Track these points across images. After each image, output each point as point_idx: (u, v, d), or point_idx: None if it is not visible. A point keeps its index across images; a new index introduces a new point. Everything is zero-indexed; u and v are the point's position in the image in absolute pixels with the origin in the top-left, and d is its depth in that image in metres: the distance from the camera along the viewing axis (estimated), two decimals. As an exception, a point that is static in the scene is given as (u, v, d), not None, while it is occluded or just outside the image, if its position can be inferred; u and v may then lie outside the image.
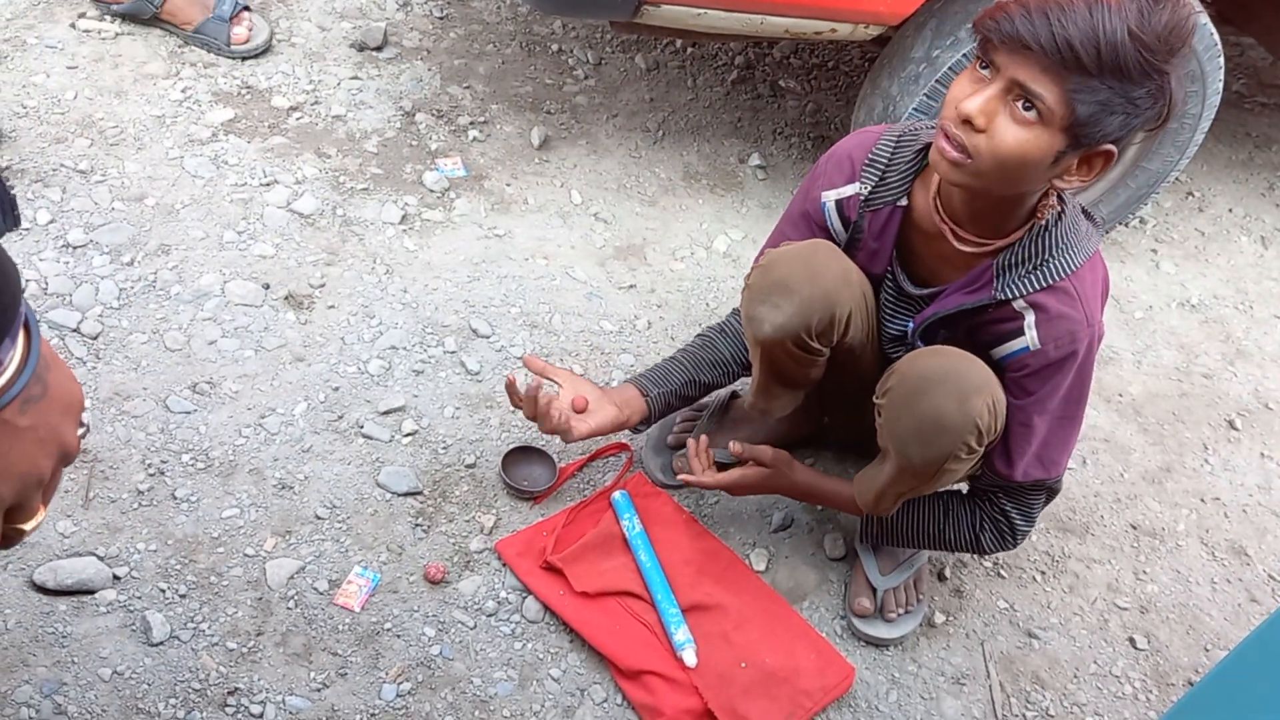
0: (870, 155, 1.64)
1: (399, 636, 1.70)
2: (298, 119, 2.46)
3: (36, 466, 0.75)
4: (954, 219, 1.53)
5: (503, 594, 1.78)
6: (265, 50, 2.57)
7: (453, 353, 2.10)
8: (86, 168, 2.21)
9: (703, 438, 1.86)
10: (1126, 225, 2.79)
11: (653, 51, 2.89)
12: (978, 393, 1.48)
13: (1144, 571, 2.07)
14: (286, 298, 2.11)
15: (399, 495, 1.87)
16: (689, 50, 2.93)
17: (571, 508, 1.90)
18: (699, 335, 1.94)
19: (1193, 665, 1.94)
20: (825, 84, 2.97)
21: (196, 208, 2.22)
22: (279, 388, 1.98)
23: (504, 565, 1.81)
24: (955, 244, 1.53)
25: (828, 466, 2.07)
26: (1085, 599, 2.00)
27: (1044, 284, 1.50)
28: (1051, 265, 1.50)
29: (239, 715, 1.58)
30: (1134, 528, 2.13)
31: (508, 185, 2.47)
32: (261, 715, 1.58)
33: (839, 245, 1.69)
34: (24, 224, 2.04)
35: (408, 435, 1.95)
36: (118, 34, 2.51)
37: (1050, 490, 1.68)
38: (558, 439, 1.92)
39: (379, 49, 2.68)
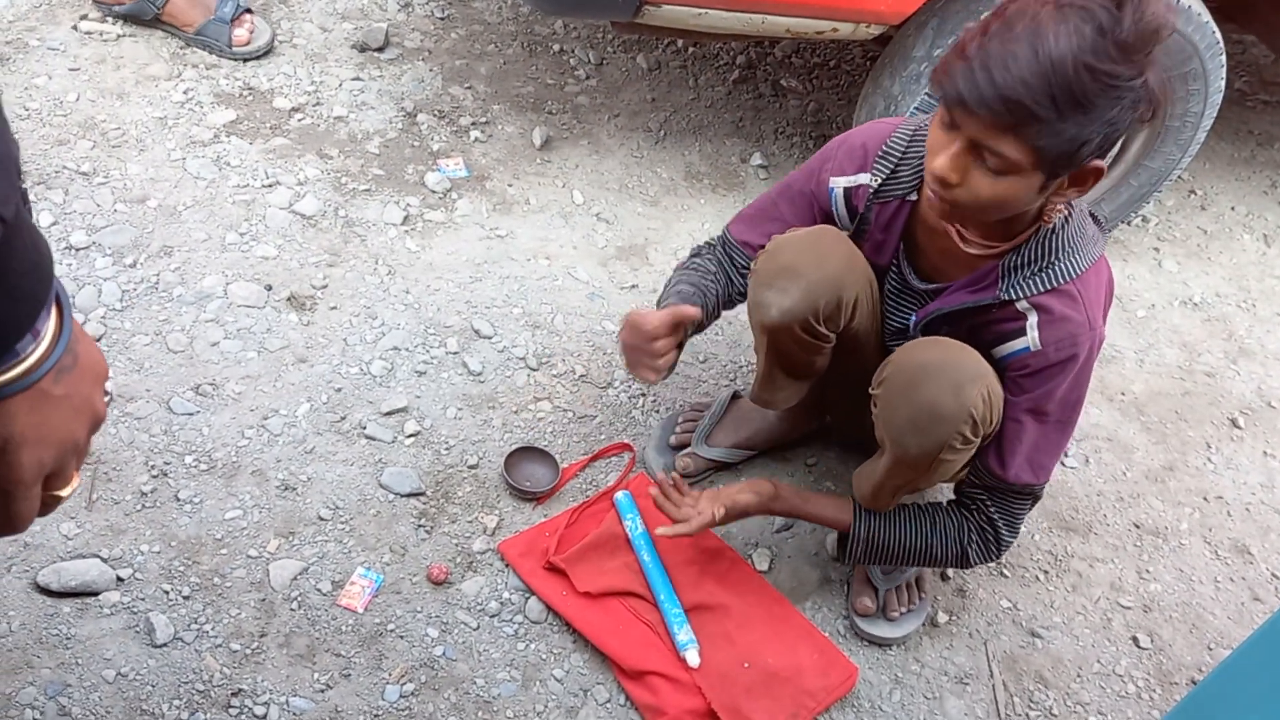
0: (885, 147, 1.63)
1: (402, 637, 1.70)
2: (299, 120, 2.46)
3: (72, 433, 0.78)
4: (960, 223, 1.54)
5: (506, 595, 1.79)
6: (267, 52, 2.57)
7: (455, 353, 2.10)
8: (89, 170, 2.21)
9: (674, 474, 1.83)
10: (1129, 224, 2.79)
11: (654, 51, 2.89)
12: (973, 382, 1.48)
13: (1147, 570, 2.06)
14: (289, 299, 2.11)
15: (402, 496, 1.87)
16: (690, 50, 2.93)
17: (574, 508, 1.91)
18: (684, 270, 1.85)
19: (1196, 664, 1.94)
20: (827, 83, 2.97)
21: (199, 209, 2.22)
22: (281, 389, 1.98)
23: (507, 566, 1.82)
24: (961, 245, 1.53)
25: (830, 466, 2.07)
26: (1088, 598, 2.00)
27: (1049, 286, 1.50)
28: (1057, 268, 1.50)
29: (243, 716, 1.58)
30: (1137, 526, 2.13)
31: (509, 186, 2.47)
32: (265, 716, 1.58)
33: None
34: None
35: (410, 436, 1.96)
36: (119, 36, 2.51)
37: (1035, 497, 1.68)
38: (561, 440, 1.93)
39: (380, 50, 2.68)
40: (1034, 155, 1.32)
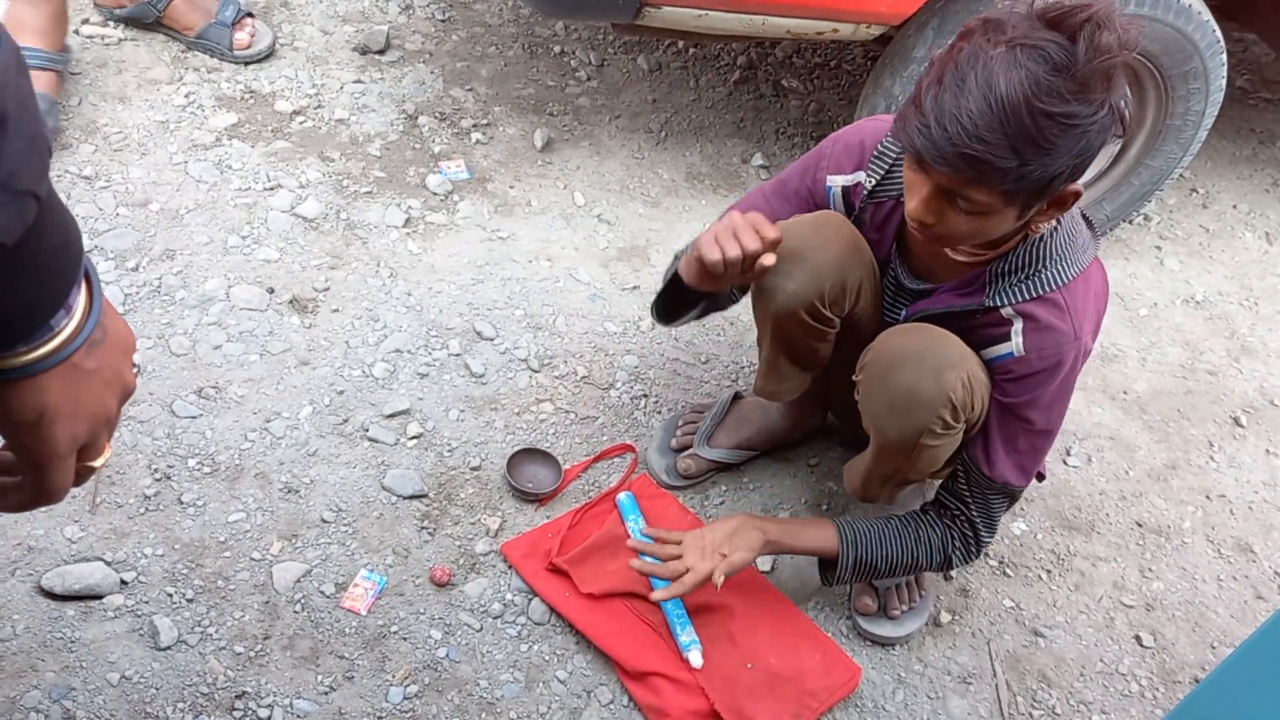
0: (880, 147, 1.64)
1: (405, 639, 1.71)
2: (301, 123, 2.47)
3: (105, 406, 0.80)
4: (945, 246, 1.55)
5: (508, 596, 1.79)
6: (268, 55, 2.58)
7: (457, 355, 2.11)
8: (91, 173, 2.21)
9: (642, 532, 1.81)
10: (1130, 222, 2.79)
11: (655, 52, 2.89)
12: (951, 367, 1.49)
13: (1150, 569, 2.06)
14: (291, 302, 2.12)
15: (404, 498, 1.87)
16: (691, 51, 2.93)
17: (576, 509, 1.91)
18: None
19: (1199, 662, 1.93)
20: (827, 83, 2.97)
21: (201, 212, 2.23)
22: (284, 392, 1.98)
23: (509, 567, 1.82)
24: (950, 254, 1.54)
25: (833, 466, 2.07)
26: (1091, 597, 2.00)
27: (1035, 294, 1.51)
28: (1044, 275, 1.50)
29: (247, 719, 1.58)
30: (1139, 525, 2.13)
31: (511, 187, 2.47)
32: (269, 719, 1.59)
33: None
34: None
35: (413, 438, 1.96)
36: (121, 40, 2.51)
37: (1013, 498, 1.70)
38: (563, 441, 1.93)
39: (381, 52, 2.68)
40: (1003, 197, 1.33)
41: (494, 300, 2.22)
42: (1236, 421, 2.38)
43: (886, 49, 2.30)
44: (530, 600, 1.78)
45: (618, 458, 2.02)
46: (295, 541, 1.79)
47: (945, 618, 1.90)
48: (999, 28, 1.29)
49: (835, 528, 1.74)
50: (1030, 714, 1.82)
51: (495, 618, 1.76)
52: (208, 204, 2.25)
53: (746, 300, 1.79)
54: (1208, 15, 2.18)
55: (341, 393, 2.00)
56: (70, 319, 0.74)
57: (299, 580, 1.74)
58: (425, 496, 1.89)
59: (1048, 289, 1.50)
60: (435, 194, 2.39)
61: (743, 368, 2.22)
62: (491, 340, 2.15)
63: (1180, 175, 2.69)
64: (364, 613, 1.72)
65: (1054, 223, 1.48)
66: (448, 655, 1.70)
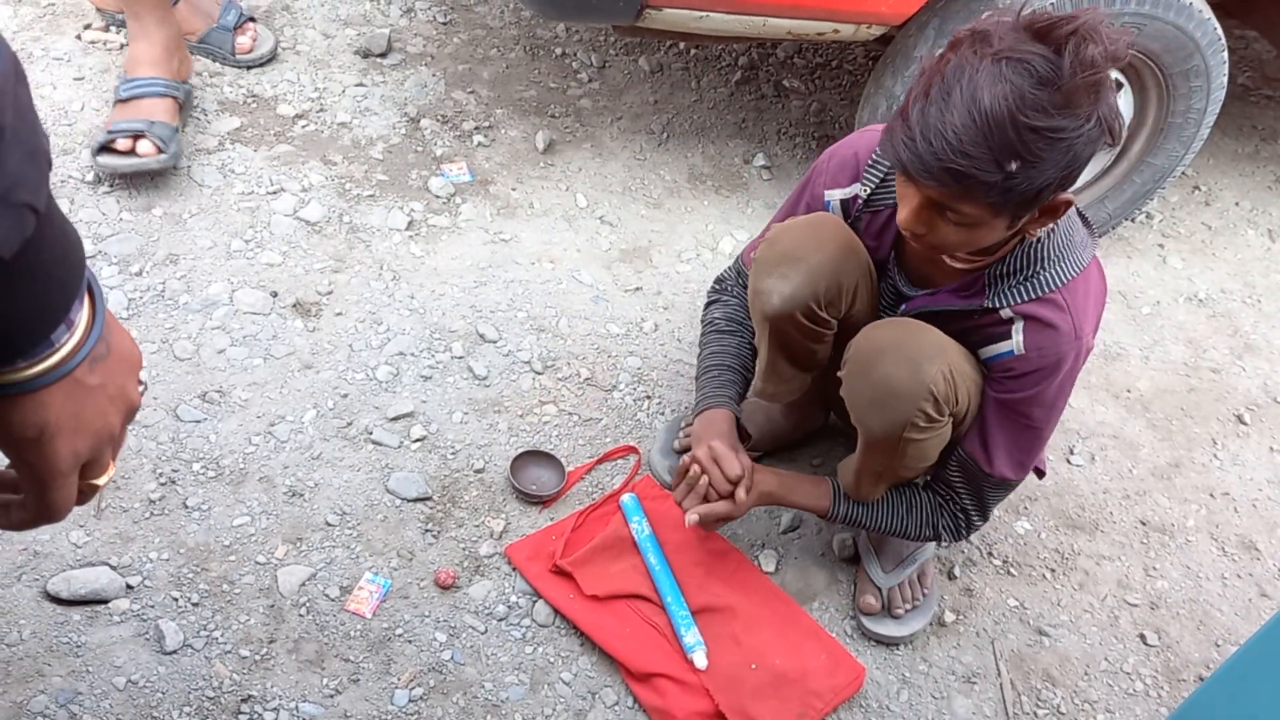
0: (874, 157, 1.65)
1: (410, 642, 1.71)
2: (303, 127, 2.47)
3: (108, 422, 0.78)
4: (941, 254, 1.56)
5: (513, 598, 1.79)
6: (270, 59, 2.58)
7: (460, 358, 2.11)
8: (93, 179, 2.22)
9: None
10: (1133, 220, 2.79)
11: (656, 54, 2.90)
12: (931, 360, 1.50)
13: (1154, 568, 2.06)
14: (294, 305, 2.12)
15: (408, 501, 1.88)
16: (692, 52, 2.93)
17: (580, 511, 1.91)
18: (713, 341, 1.90)
19: (1203, 661, 1.93)
20: (829, 83, 2.97)
21: (204, 217, 2.23)
22: (288, 395, 1.98)
23: (514, 569, 1.82)
24: (948, 261, 1.55)
25: (835, 467, 2.07)
26: (1095, 596, 2.00)
27: (1034, 295, 1.51)
28: (1043, 277, 1.51)
29: (253, 722, 1.59)
30: (1143, 524, 2.13)
31: (513, 190, 2.47)
32: (275, 722, 1.59)
33: None
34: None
35: (416, 441, 1.96)
36: (123, 45, 2.52)
37: (1010, 489, 1.72)
38: (566, 443, 1.93)
39: (383, 55, 2.69)
40: (990, 209, 1.34)
41: (497, 302, 2.22)
42: (1240, 419, 2.38)
43: (888, 49, 2.30)
44: (535, 602, 1.79)
45: (621, 459, 2.03)
46: (300, 545, 1.79)
47: (950, 617, 1.91)
48: (986, 39, 1.29)
49: (830, 486, 1.77)
50: (1035, 713, 1.82)
51: (500, 620, 1.76)
52: (211, 208, 2.25)
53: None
54: (1208, 13, 2.18)
55: (345, 396, 2.00)
56: (72, 334, 0.73)
57: (304, 584, 1.74)
58: (429, 499, 1.89)
59: (1047, 289, 1.51)
60: (437, 197, 2.40)
61: (746, 368, 2.22)
62: (494, 343, 2.15)
63: (1182, 173, 2.69)
64: (369, 616, 1.72)
65: (1051, 225, 1.49)
66: (453, 658, 1.70)
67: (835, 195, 1.70)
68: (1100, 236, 2.63)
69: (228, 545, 1.77)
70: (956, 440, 1.64)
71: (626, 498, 1.92)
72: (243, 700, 1.60)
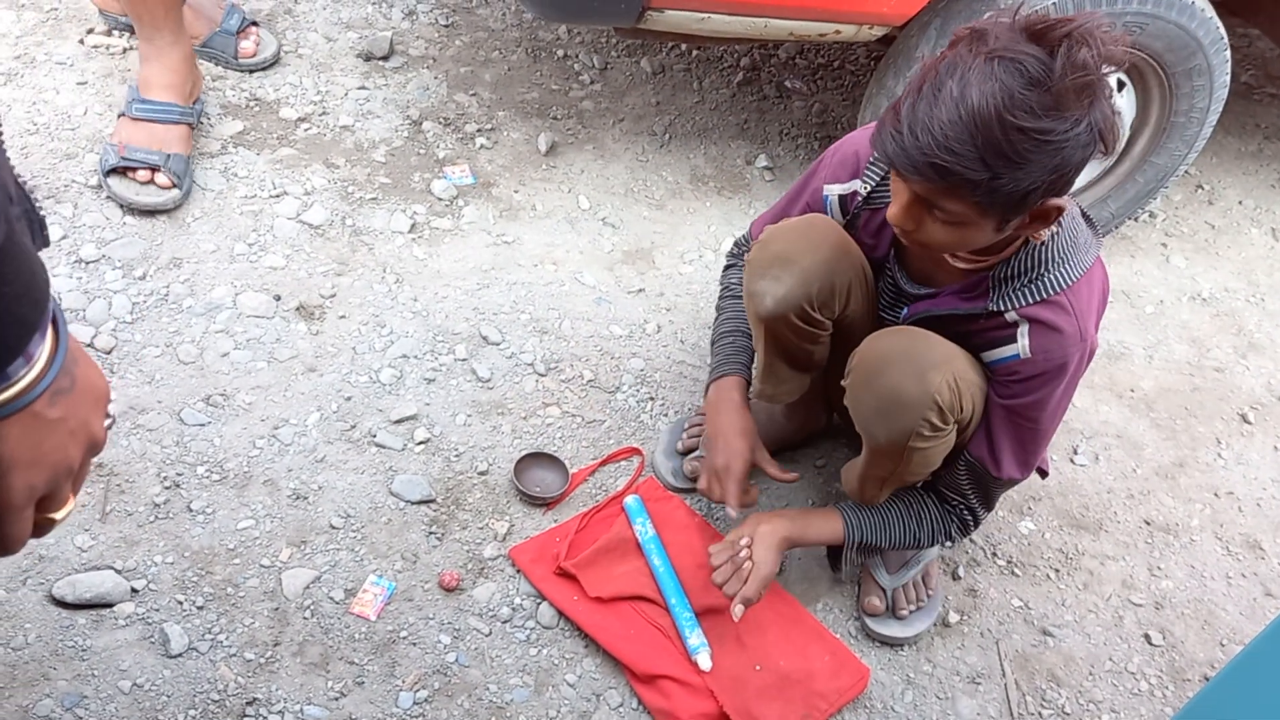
0: (875, 154, 1.65)
1: (415, 644, 1.71)
2: (306, 130, 2.47)
3: (67, 456, 0.77)
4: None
5: (517, 600, 1.79)
6: (273, 63, 2.58)
7: (463, 360, 2.11)
8: (97, 183, 2.22)
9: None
10: (1136, 220, 2.79)
11: (658, 55, 2.90)
12: (935, 369, 1.49)
13: (1158, 567, 2.06)
14: (298, 308, 2.12)
15: (412, 503, 1.88)
16: (694, 53, 2.93)
17: (584, 513, 1.91)
18: (729, 306, 1.91)
19: (1208, 660, 1.93)
20: (831, 84, 2.97)
21: (207, 220, 2.23)
22: (292, 398, 1.99)
23: (518, 572, 1.82)
24: (950, 260, 1.54)
25: (839, 468, 2.06)
26: (1100, 596, 2.00)
27: (1039, 298, 1.50)
28: (1047, 279, 1.50)
29: (258, 725, 1.59)
30: (1148, 524, 2.13)
31: (515, 192, 2.47)
32: (280, 725, 1.59)
33: None
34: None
35: (420, 443, 1.96)
36: (126, 49, 2.52)
37: (1014, 485, 1.73)
38: (570, 445, 1.93)
39: (385, 58, 2.69)
40: (976, 209, 1.33)
41: (500, 305, 2.22)
42: (1244, 418, 2.37)
43: (890, 49, 2.30)
44: (539, 604, 1.79)
45: (625, 461, 2.03)
46: (304, 548, 1.79)
47: (954, 618, 1.91)
48: (982, 38, 1.29)
49: (841, 518, 1.76)
50: (1040, 713, 1.82)
51: (504, 622, 1.76)
52: (214, 212, 2.25)
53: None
54: (1211, 12, 2.18)
55: (349, 399, 2.01)
56: (31, 367, 0.71)
57: (308, 586, 1.75)
58: (433, 501, 1.89)
59: (1051, 292, 1.50)
60: (440, 199, 2.40)
61: (749, 370, 2.22)
62: (498, 345, 2.15)
63: (1185, 172, 2.69)
64: (373, 618, 1.73)
65: (1055, 227, 1.48)
66: (457, 660, 1.70)
67: (834, 190, 1.70)
68: (1103, 236, 2.62)
69: (232, 548, 1.77)
70: (962, 445, 1.64)
71: (630, 499, 1.92)
72: (248, 703, 1.61)
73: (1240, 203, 2.94)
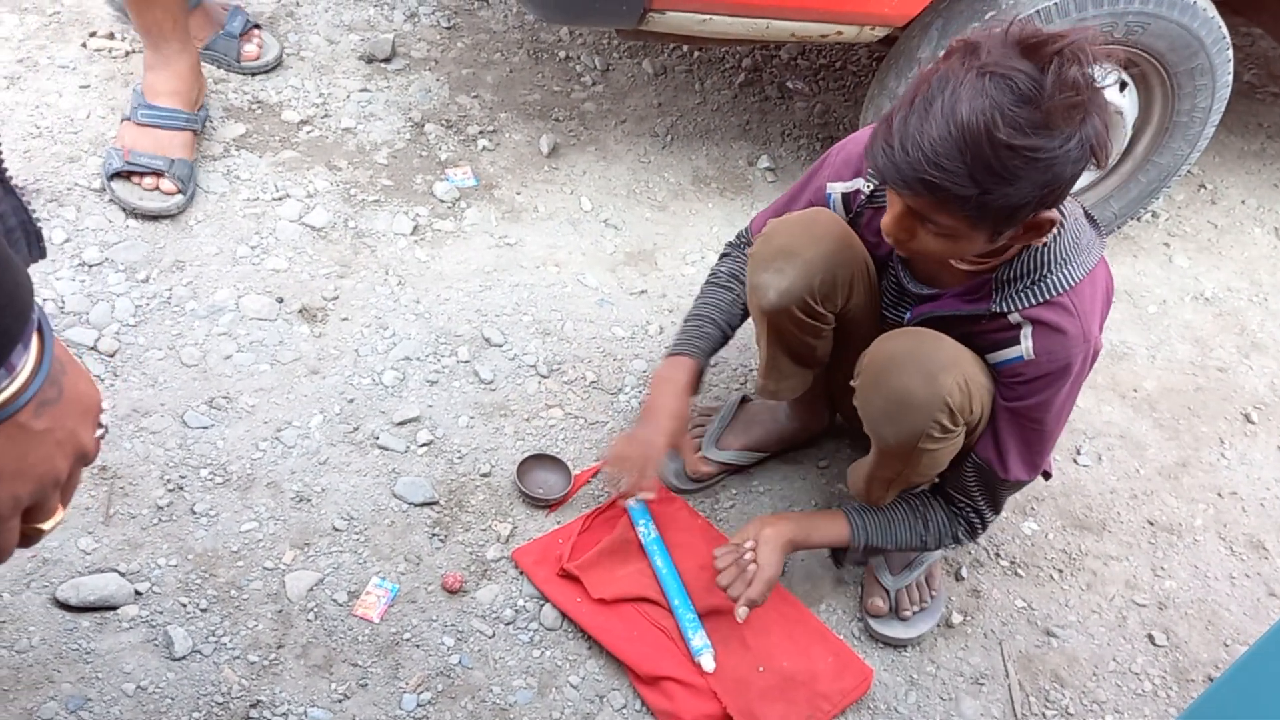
0: (868, 165, 1.64)
1: (418, 646, 1.71)
2: (308, 132, 2.47)
3: (54, 468, 0.76)
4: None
5: (520, 602, 1.79)
6: (276, 66, 2.59)
7: (466, 362, 2.11)
8: (100, 186, 2.23)
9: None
10: (1138, 219, 2.78)
11: (660, 56, 2.90)
12: (945, 371, 1.49)
13: (1162, 568, 2.06)
14: (300, 311, 2.13)
15: (415, 505, 1.88)
16: (696, 54, 2.93)
17: (587, 515, 1.91)
18: (707, 292, 1.91)
19: (1212, 661, 1.93)
20: (833, 85, 2.97)
21: (210, 223, 2.24)
22: (294, 401, 1.99)
23: (521, 573, 1.82)
24: (954, 262, 1.54)
25: (842, 469, 2.07)
26: (1103, 596, 1.99)
27: (1042, 299, 1.50)
28: (1050, 281, 1.50)
29: (261, 728, 1.59)
30: (1151, 524, 2.13)
31: (518, 194, 2.48)
32: (284, 727, 1.59)
33: None
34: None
35: (423, 445, 1.97)
36: (128, 52, 2.53)
37: (1022, 486, 1.73)
38: (573, 447, 1.93)
39: (387, 61, 2.69)
40: (967, 222, 1.34)
41: (502, 306, 2.23)
42: (1247, 418, 2.37)
43: (891, 50, 2.30)
44: (542, 606, 1.79)
45: (627, 462, 2.03)
46: (307, 550, 1.80)
47: (957, 619, 1.90)
48: (975, 52, 1.29)
49: (846, 521, 1.76)
50: (1043, 714, 1.81)
51: (507, 624, 1.76)
52: (216, 214, 2.26)
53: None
54: (1213, 11, 2.18)
55: (351, 401, 2.01)
56: (13, 378, 0.71)
57: (312, 589, 1.75)
58: (436, 504, 1.89)
59: (1055, 293, 1.50)
60: (442, 201, 2.40)
61: (750, 370, 2.22)
62: (500, 346, 2.15)
63: (1188, 171, 2.68)
64: (377, 620, 1.73)
65: (1055, 230, 1.48)
66: (460, 662, 1.71)
67: (837, 188, 1.71)
68: (1106, 235, 2.63)
69: (236, 551, 1.77)
70: (969, 447, 1.64)
71: (633, 501, 1.92)
72: (251, 706, 1.61)
73: (1243, 202, 2.94)
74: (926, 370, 1.49)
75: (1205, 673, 1.91)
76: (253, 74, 2.56)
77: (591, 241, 2.42)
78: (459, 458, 1.97)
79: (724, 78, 2.90)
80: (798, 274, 1.61)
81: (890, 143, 1.31)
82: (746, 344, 2.27)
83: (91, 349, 1.97)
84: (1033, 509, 2.10)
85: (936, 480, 1.74)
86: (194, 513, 1.80)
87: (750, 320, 1.83)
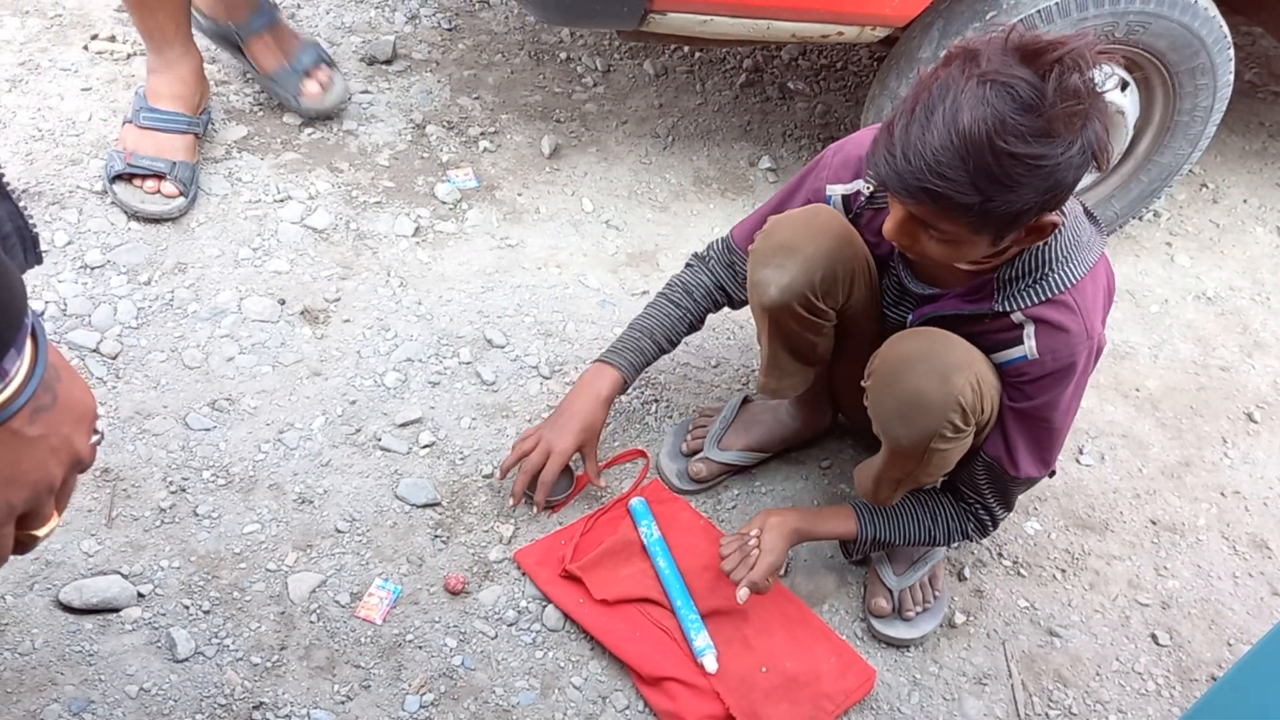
0: (869, 173, 1.64)
1: (421, 648, 1.71)
2: (310, 134, 2.48)
3: (48, 474, 0.76)
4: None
5: (523, 603, 1.79)
6: (339, 111, 2.49)
7: (468, 363, 2.11)
8: (102, 189, 2.23)
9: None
10: (1140, 219, 2.78)
11: (661, 57, 2.90)
12: (958, 371, 1.49)
13: (1165, 567, 2.06)
14: (302, 313, 2.13)
15: (418, 507, 1.88)
16: (697, 55, 2.93)
17: (589, 515, 1.91)
18: (657, 303, 1.96)
19: (1216, 660, 1.93)
20: (834, 85, 2.97)
21: (211, 225, 2.24)
22: (297, 402, 1.99)
23: (523, 574, 1.82)
24: (955, 263, 1.54)
25: (845, 469, 2.07)
26: (1106, 596, 1.99)
27: (1044, 297, 1.50)
28: (1051, 279, 1.50)
29: (264, 729, 1.59)
30: (1154, 523, 2.13)
31: (519, 195, 2.48)
32: (287, 729, 1.59)
33: None
34: (42, 246, 2.07)
35: (425, 447, 1.97)
36: (130, 54, 2.53)
37: (1033, 483, 1.72)
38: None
39: (388, 62, 2.69)
40: (970, 229, 1.34)
41: (504, 308, 2.23)
42: (1250, 417, 2.37)
43: (892, 50, 2.30)
44: (544, 607, 1.79)
45: (630, 463, 2.03)
46: (310, 552, 1.80)
47: (960, 619, 1.90)
48: (974, 59, 1.29)
49: (854, 513, 1.77)
50: (1047, 714, 1.81)
51: (510, 625, 1.76)
52: (218, 216, 2.26)
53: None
54: (1214, 10, 2.18)
55: (354, 402, 2.01)
56: (7, 384, 0.70)
57: (314, 590, 1.75)
58: (438, 505, 1.89)
59: (1057, 291, 1.50)
60: (444, 203, 2.40)
61: (752, 370, 2.22)
62: (502, 348, 2.16)
63: (1189, 171, 2.68)
64: (379, 622, 1.73)
65: (1058, 228, 1.48)
66: (463, 663, 1.71)
67: (837, 190, 1.71)
68: (1108, 235, 2.62)
69: (238, 553, 1.77)
70: (977, 446, 1.64)
71: (635, 502, 1.92)
72: (254, 707, 1.61)
73: (1245, 201, 2.93)
74: (939, 370, 1.49)
75: (1209, 672, 1.91)
76: (314, 116, 2.48)
77: (593, 242, 2.42)
78: (461, 459, 1.97)
79: (725, 78, 2.90)
80: (798, 270, 1.61)
81: (892, 152, 1.31)
82: (748, 344, 2.27)
83: (94, 351, 1.98)
84: (1035, 509, 2.10)
85: (946, 478, 1.74)
86: (196, 515, 1.81)
87: (749, 321, 1.84)
